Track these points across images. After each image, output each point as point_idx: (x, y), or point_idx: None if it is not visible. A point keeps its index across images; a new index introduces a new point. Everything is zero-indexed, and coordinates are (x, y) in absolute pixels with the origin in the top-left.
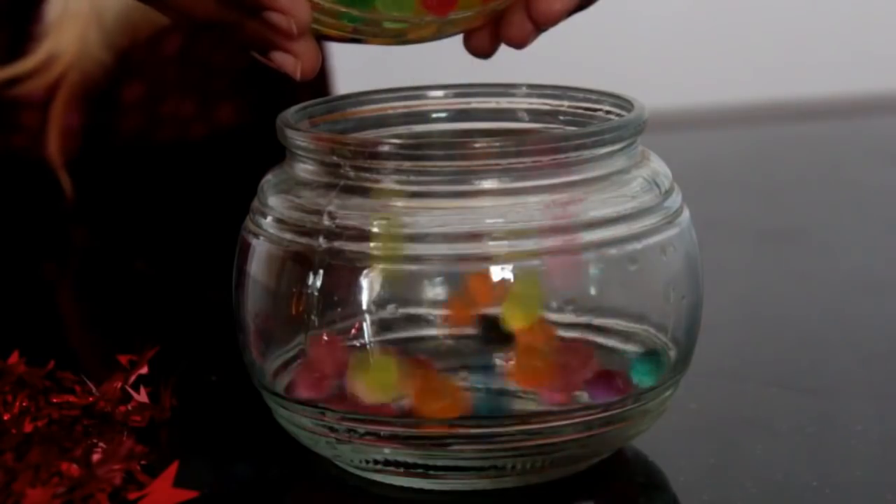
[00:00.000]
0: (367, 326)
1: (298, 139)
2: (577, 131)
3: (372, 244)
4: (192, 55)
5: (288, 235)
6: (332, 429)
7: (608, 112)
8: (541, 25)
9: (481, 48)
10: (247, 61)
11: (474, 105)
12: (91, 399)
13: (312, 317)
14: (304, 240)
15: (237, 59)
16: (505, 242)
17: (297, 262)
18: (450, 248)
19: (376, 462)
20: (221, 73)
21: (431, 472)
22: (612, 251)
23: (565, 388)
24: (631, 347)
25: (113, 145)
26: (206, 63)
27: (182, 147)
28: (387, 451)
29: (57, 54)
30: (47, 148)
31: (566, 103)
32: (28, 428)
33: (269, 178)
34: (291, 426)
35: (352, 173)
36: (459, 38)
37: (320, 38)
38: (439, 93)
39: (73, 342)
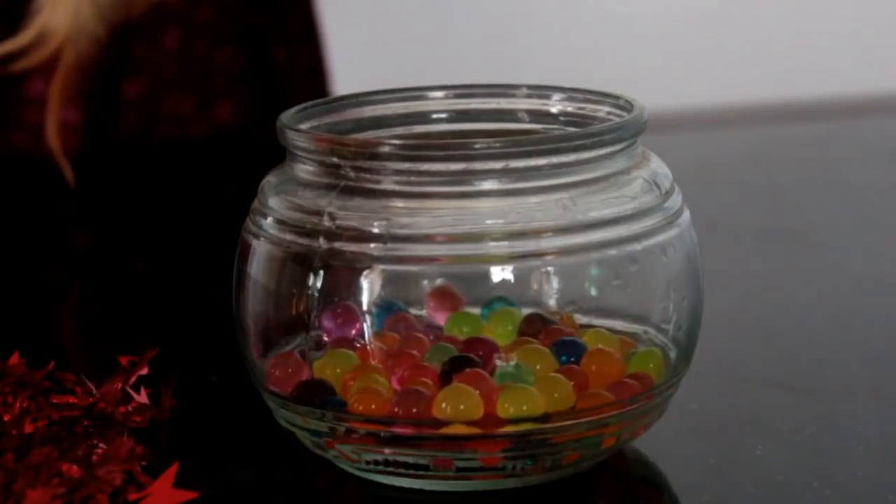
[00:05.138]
0: (367, 328)
1: (299, 140)
2: (577, 132)
3: None
4: (192, 52)
5: (288, 236)
6: (332, 429)
7: (608, 113)
8: None
9: None
10: (246, 60)
11: (474, 106)
12: (91, 400)
13: (312, 317)
14: (304, 241)
15: (237, 58)
16: (505, 243)
17: (298, 262)
18: (450, 248)
19: (376, 462)
20: (221, 71)
21: (431, 473)
22: (613, 252)
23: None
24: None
25: (113, 142)
26: (206, 61)
27: (182, 145)
28: (387, 451)
29: (50, 30)
30: (46, 135)
31: (566, 104)
32: (28, 429)
33: (270, 179)
34: (291, 427)
35: (352, 174)
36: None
37: None
38: (439, 94)
39: (74, 343)
